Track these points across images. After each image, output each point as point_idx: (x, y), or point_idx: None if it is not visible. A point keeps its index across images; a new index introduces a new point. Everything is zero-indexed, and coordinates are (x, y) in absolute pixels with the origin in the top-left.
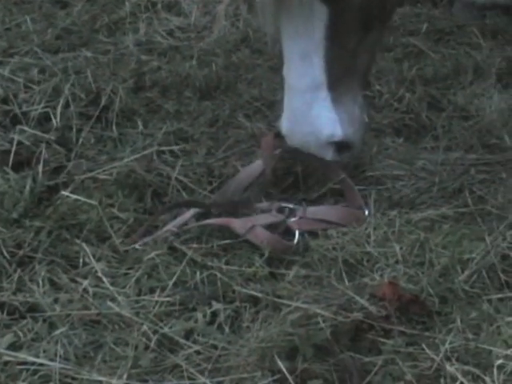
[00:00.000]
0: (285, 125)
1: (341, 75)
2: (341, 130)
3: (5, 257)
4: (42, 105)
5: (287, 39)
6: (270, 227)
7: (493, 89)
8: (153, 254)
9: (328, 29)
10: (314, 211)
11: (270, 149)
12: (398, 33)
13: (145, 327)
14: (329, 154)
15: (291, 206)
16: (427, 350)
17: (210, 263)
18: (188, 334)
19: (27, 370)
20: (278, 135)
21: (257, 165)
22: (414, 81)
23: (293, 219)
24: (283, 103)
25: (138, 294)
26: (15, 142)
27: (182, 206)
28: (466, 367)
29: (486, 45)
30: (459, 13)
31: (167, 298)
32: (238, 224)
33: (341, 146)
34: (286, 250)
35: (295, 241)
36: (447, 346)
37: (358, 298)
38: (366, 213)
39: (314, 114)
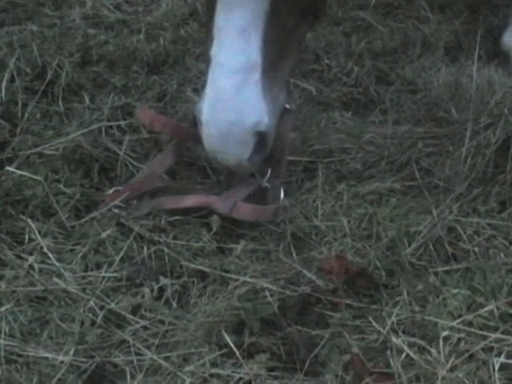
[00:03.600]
0: (206, 111)
1: (274, 60)
2: (267, 119)
3: None
4: None
5: (225, 10)
6: (251, 196)
7: (440, 62)
8: (99, 230)
9: (271, 4)
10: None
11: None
12: (347, 6)
13: (91, 303)
14: (249, 148)
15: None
16: (374, 323)
17: (157, 238)
18: (135, 310)
19: None
20: (194, 124)
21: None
22: (363, 54)
23: (266, 178)
24: (206, 88)
25: (85, 270)
26: None
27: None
28: (412, 339)
29: (434, 18)
30: None
31: (114, 274)
32: (220, 204)
33: (259, 141)
34: (275, 213)
35: (280, 200)
36: (394, 318)
37: (305, 271)
38: None
39: (242, 99)
